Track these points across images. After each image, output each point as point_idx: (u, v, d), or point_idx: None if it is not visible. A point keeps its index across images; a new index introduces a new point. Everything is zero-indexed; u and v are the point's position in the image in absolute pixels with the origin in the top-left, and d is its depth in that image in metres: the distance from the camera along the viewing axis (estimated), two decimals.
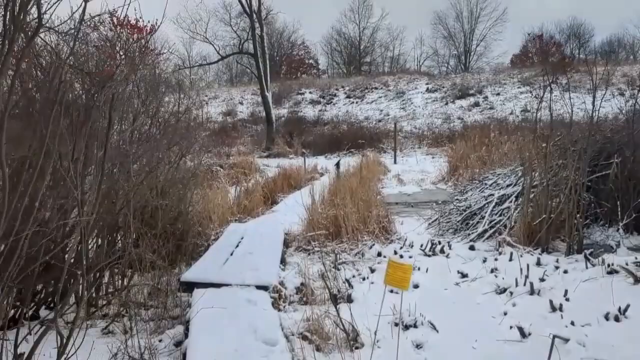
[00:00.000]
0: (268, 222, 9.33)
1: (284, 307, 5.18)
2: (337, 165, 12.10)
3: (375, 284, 5.95)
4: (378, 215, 8.24)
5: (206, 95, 44.87)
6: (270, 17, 39.26)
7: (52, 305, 5.57)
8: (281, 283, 5.66)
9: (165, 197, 7.05)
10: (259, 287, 5.22)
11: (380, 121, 35.23)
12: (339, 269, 6.57)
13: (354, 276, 6.26)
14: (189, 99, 8.70)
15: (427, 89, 40.33)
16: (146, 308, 5.64)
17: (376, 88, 42.60)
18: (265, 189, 13.08)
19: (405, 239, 8.05)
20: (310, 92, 43.23)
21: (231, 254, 6.74)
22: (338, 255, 7.02)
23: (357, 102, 40.69)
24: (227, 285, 5.24)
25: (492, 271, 6.41)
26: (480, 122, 28.78)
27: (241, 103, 43.13)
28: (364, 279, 6.16)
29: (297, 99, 42.27)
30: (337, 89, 43.53)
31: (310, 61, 62.67)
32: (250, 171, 19.26)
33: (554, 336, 4.02)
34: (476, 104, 35.30)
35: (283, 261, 6.94)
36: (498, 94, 36.49)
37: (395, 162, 22.54)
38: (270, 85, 31.82)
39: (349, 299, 5.42)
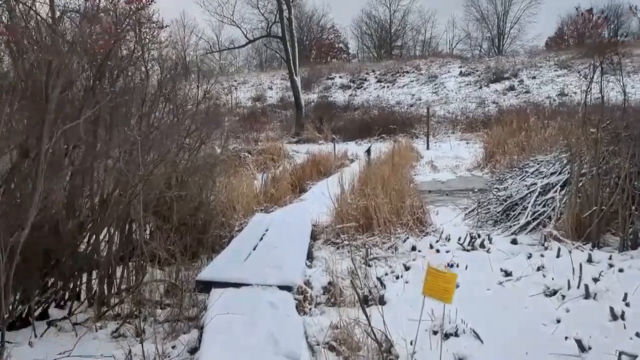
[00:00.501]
0: (295, 212, 8.86)
1: (310, 309, 4.69)
2: (368, 151, 11.52)
3: (410, 283, 5.43)
4: (412, 205, 7.70)
5: (235, 81, 44.74)
6: (299, 0, 38.69)
7: (62, 303, 5.19)
8: (307, 282, 5.17)
9: (184, 186, 6.61)
10: (282, 288, 4.74)
11: (412, 106, 34.55)
12: (370, 265, 6.07)
13: (386, 274, 5.74)
14: (210, 82, 8.21)
15: (460, 72, 39.37)
16: (162, 307, 5.23)
17: (407, 72, 41.78)
18: (293, 176, 12.62)
19: (442, 232, 7.51)
20: (340, 77, 42.62)
21: (254, 248, 6.29)
22: (369, 250, 6.50)
23: (388, 87, 40.00)
24: (247, 285, 4.77)
25: (538, 269, 5.83)
26: (516, 107, 27.99)
27: (270, 88, 42.76)
28: (397, 277, 5.64)
29: (326, 83, 41.73)
30: (367, 73, 42.84)
31: (340, 45, 61.89)
32: (278, 157, 18.82)
33: (621, 353, 3.46)
34: (511, 88, 34.35)
35: (310, 256, 6.46)
36: (534, 78, 35.42)
37: (428, 147, 21.89)
38: (300, 70, 31.26)
39: (381, 301, 4.91)
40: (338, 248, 6.91)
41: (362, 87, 40.93)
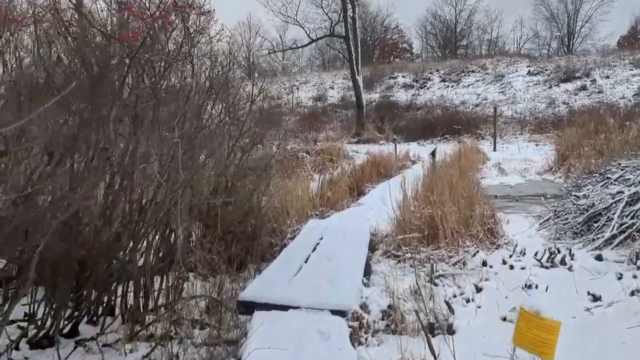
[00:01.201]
0: (352, 218, 8.23)
1: (366, 339, 4.06)
2: (433, 154, 10.71)
3: (483, 308, 4.72)
4: (482, 215, 6.94)
5: (297, 80, 44.55)
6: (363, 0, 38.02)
7: (95, 318, 4.75)
8: (363, 306, 4.53)
9: (233, 191, 6.10)
10: (334, 312, 4.11)
11: (477, 105, 33.44)
12: (436, 284, 5.38)
13: (455, 296, 5.04)
14: (266, 81, 7.69)
15: (529, 71, 37.81)
16: (201, 326, 4.72)
17: (473, 71, 40.50)
18: (351, 178, 11.97)
19: (515, 244, 6.73)
20: (403, 76, 41.76)
21: (306, 260, 5.71)
22: (434, 265, 5.81)
23: (452, 86, 38.93)
24: (295, 307, 4.18)
25: (632, 293, 5.01)
26: (589, 107, 26.61)
27: (332, 88, 42.34)
28: (467, 300, 4.92)
29: (389, 83, 40.98)
30: (431, 73, 41.81)
31: (404, 45, 60.94)
32: (337, 157, 18.24)
33: None
34: (583, 88, 32.71)
35: (368, 270, 5.81)
36: (607, 77, 33.60)
37: (494, 149, 20.86)
38: (362, 70, 30.63)
39: (450, 330, 4.23)
40: (399, 262, 6.25)
41: (425, 86, 40.00)
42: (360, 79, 28.71)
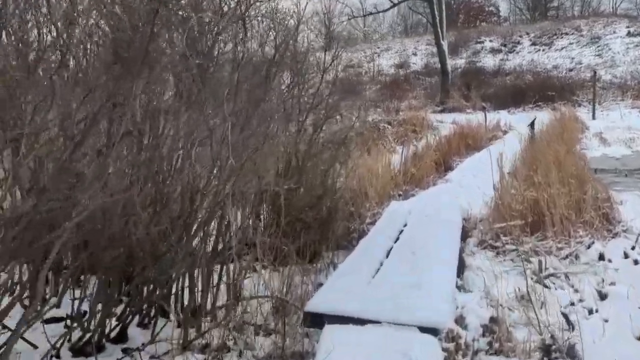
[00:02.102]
0: (440, 199, 7.31)
1: None
2: (532, 125, 9.43)
3: (611, 322, 3.77)
4: (596, 197, 5.87)
5: (378, 47, 43.24)
6: None
7: (147, 320, 4.16)
8: (459, 318, 3.69)
9: (303, 172, 5.36)
10: (424, 330, 3.29)
11: (571, 70, 31.17)
12: (546, 286, 4.44)
13: (572, 303, 4.09)
14: (342, 48, 6.85)
15: (628, 32, 34.77)
16: (266, 332, 4.04)
17: (566, 34, 37.76)
18: (437, 152, 10.95)
19: (639, 234, 5.64)
20: (490, 41, 39.58)
21: (387, 254, 4.90)
22: (542, 261, 4.85)
23: (543, 50, 36.50)
24: (374, 322, 3.39)
25: None
26: None
27: (414, 54, 40.77)
28: (590, 311, 3.98)
29: (475, 48, 38.94)
30: (520, 36, 39.39)
31: (490, 8, 57.89)
32: (421, 128, 17.18)
33: None
34: None
35: (461, 264, 4.92)
36: None
37: (593, 117, 19.14)
38: (446, 35, 28.98)
39: (572, 353, 3.32)
40: (497, 254, 5.33)
41: (514, 51, 37.78)
42: (445, 44, 27.19)
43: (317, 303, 3.69)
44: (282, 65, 4.95)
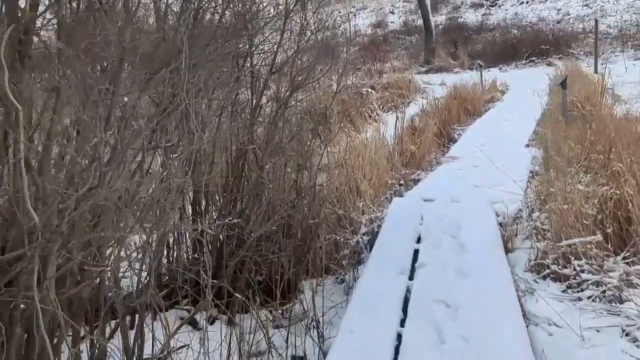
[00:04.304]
0: (455, 187, 5.49)
1: None
2: (563, 84, 7.41)
3: None
4: None
5: (354, 7, 41.09)
6: None
7: None
8: None
9: (259, 181, 3.42)
10: None
11: (559, 22, 29.38)
12: None
13: None
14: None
15: None
16: None
17: None
18: (435, 120, 9.01)
19: None
20: None
21: (402, 322, 3.01)
22: None
23: (527, 2, 34.64)
24: None
25: None
26: None
27: (392, 12, 38.67)
28: None
29: (455, 3, 37.03)
30: None
31: None
32: (408, 92, 15.17)
33: None
34: None
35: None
36: None
37: (595, 71, 17.24)
38: None
39: None
40: (569, 287, 3.46)
41: (496, 4, 35.95)
42: None
43: None
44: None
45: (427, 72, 21.40)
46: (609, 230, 3.62)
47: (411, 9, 31.72)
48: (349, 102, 11.71)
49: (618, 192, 3.65)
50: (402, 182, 6.13)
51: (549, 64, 19.67)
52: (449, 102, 10.88)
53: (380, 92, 14.83)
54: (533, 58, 21.16)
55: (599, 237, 3.51)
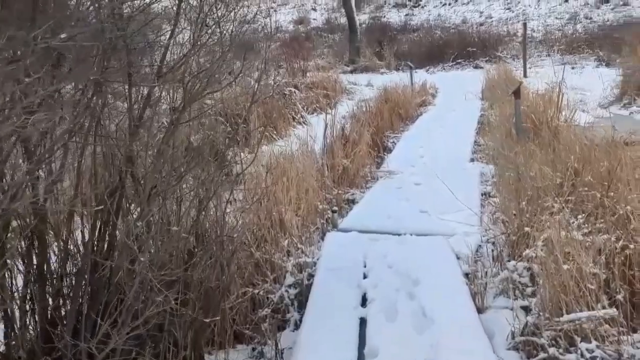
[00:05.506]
0: (398, 213, 4.48)
1: None
2: (517, 93, 6.39)
3: None
4: None
5: (274, 2, 40.18)
6: None
7: None
8: None
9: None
10: None
11: (482, 25, 29.54)
12: None
13: None
14: None
15: None
16: None
17: None
18: (369, 128, 8.02)
19: None
20: None
21: None
22: None
23: (450, 4, 34.88)
24: None
25: None
26: (617, 22, 23.31)
27: (314, 9, 37.97)
28: None
29: (378, 2, 36.77)
30: None
31: None
32: (334, 92, 14.24)
33: None
34: (606, 0, 28.80)
35: None
36: None
37: (525, 75, 16.93)
38: None
39: None
40: None
41: (419, 5, 36.05)
42: None
43: None
44: None
45: (352, 71, 20.62)
46: (619, 297, 2.72)
47: (334, 6, 31.04)
48: (271, 103, 10.63)
49: (631, 245, 2.74)
50: (335, 207, 5.09)
51: (476, 67, 19.36)
52: (380, 106, 9.94)
53: (304, 92, 13.81)
54: (460, 60, 20.81)
55: (613, 310, 2.59)
